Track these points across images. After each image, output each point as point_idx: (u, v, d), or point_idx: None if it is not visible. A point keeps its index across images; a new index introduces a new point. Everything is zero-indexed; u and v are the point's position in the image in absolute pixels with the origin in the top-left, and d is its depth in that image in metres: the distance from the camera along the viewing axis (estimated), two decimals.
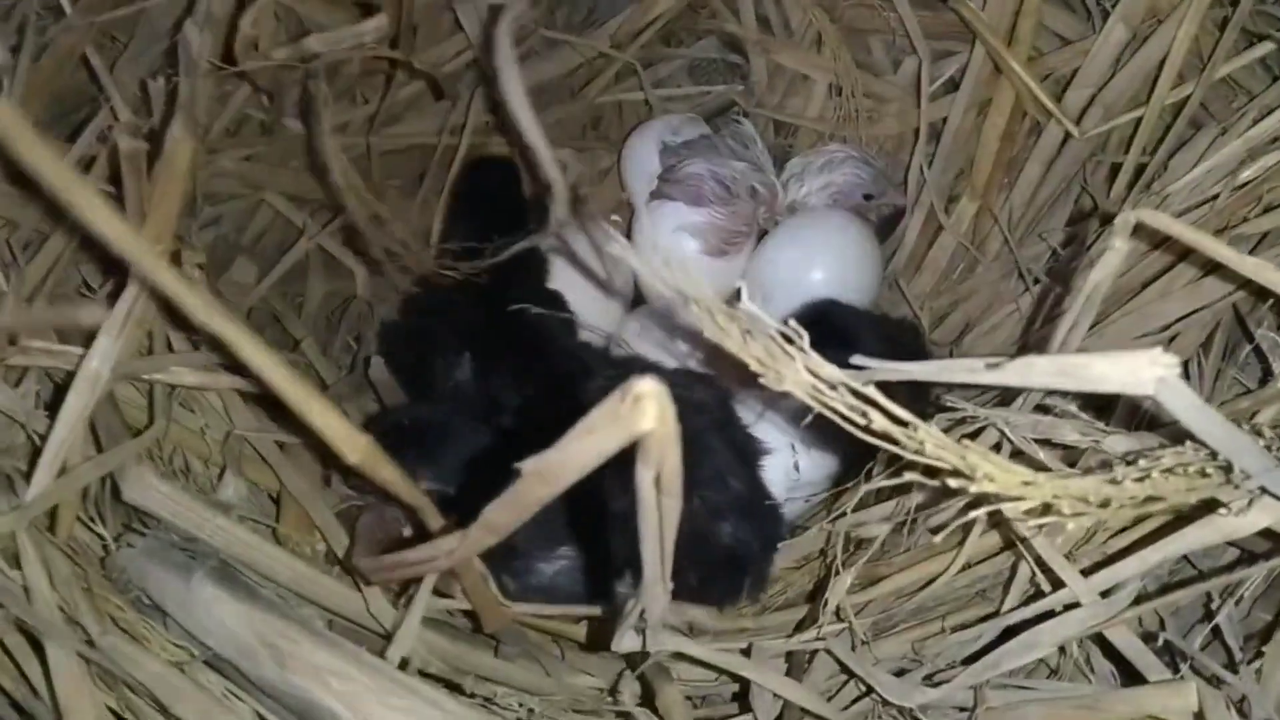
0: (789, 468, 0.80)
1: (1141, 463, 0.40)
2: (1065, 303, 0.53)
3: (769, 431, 0.80)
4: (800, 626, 0.70)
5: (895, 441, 0.37)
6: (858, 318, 0.82)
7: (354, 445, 0.47)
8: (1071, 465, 0.58)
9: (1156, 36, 0.80)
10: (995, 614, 0.63)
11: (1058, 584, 0.56)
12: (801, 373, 0.37)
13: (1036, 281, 0.87)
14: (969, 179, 0.92)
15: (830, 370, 0.37)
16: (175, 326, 0.63)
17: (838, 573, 0.63)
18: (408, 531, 0.64)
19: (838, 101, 0.99)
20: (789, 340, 0.38)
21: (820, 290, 0.90)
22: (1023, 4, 0.85)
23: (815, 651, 0.63)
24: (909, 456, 0.38)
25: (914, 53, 0.95)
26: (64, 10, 0.78)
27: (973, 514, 0.39)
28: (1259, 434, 0.47)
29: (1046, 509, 0.38)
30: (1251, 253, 0.73)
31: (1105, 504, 0.39)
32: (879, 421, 0.37)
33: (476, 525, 0.44)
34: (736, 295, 0.38)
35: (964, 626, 0.64)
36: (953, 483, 0.37)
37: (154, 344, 0.64)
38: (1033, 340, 0.81)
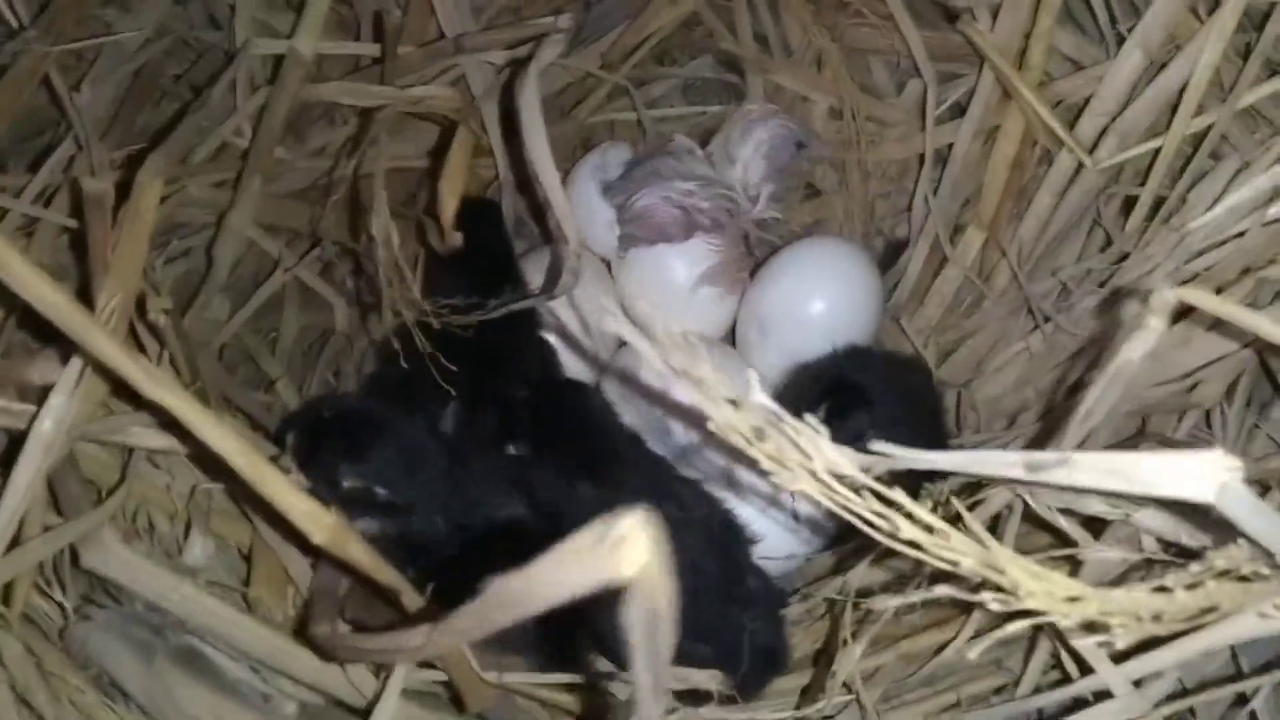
0: (787, 517, 0.76)
1: (1193, 568, 0.36)
2: (1092, 375, 0.49)
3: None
4: (805, 693, 0.66)
5: (924, 549, 0.33)
6: (874, 372, 0.77)
7: (318, 524, 0.44)
8: (1097, 537, 0.55)
9: (1175, 63, 0.76)
10: (1014, 684, 0.60)
11: (1083, 662, 0.53)
12: (820, 474, 0.34)
13: (1046, 319, 0.83)
14: (976, 208, 0.88)
15: (853, 471, 0.33)
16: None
17: (845, 643, 0.60)
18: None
19: (838, 124, 0.95)
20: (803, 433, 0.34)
21: (819, 323, 0.86)
22: (1034, 26, 0.81)
23: None
24: (939, 565, 0.34)
25: (918, 75, 0.91)
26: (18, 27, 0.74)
27: (1012, 628, 0.35)
28: None
29: (1094, 625, 0.34)
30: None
31: (1157, 618, 0.35)
32: (908, 530, 0.33)
33: (442, 628, 0.40)
34: (746, 385, 0.34)
35: (980, 699, 0.61)
36: (991, 598, 0.33)
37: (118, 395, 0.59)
38: (1057, 408, 0.77)
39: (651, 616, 0.31)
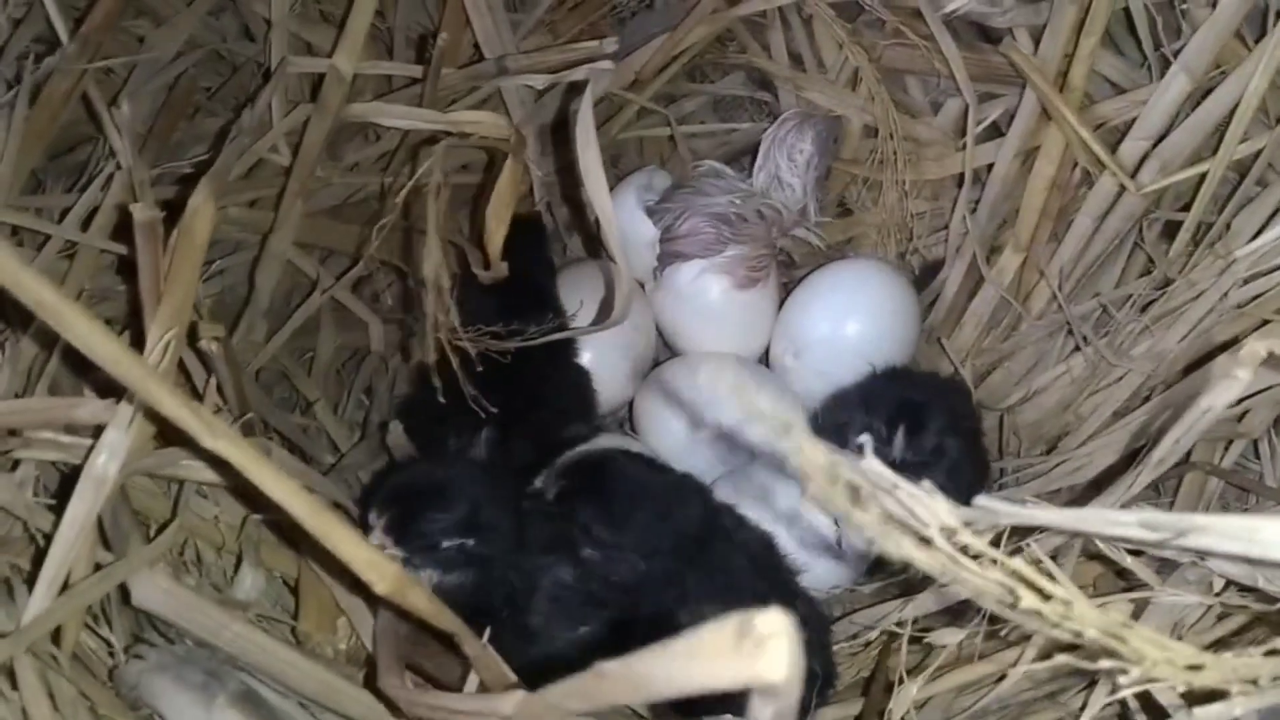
0: (831, 543, 0.76)
1: None
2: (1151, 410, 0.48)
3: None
4: None
5: (1046, 618, 0.33)
6: (925, 392, 0.77)
7: (382, 573, 0.43)
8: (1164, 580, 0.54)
9: (1221, 89, 0.76)
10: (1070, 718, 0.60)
11: (1149, 702, 0.52)
12: (936, 539, 0.33)
13: (1085, 341, 0.83)
14: (1013, 230, 0.88)
15: (973, 539, 0.33)
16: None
17: (901, 680, 0.59)
18: None
19: (873, 143, 0.95)
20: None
21: (855, 345, 0.86)
22: (1075, 49, 0.80)
23: None
24: (1055, 634, 0.33)
25: (954, 94, 0.91)
26: (58, 43, 0.73)
27: (1121, 694, 0.35)
28: None
29: (1212, 695, 0.34)
30: None
31: (1277, 680, 0.34)
32: (1029, 599, 0.32)
33: (537, 698, 0.40)
34: (859, 449, 0.34)
35: None
36: (1111, 667, 0.33)
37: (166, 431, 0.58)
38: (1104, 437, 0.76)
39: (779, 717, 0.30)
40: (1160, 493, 0.76)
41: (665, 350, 0.96)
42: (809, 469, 0.34)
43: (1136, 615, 0.55)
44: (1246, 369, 0.44)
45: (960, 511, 0.34)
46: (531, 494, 0.73)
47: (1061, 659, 0.33)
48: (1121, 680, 0.32)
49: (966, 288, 0.92)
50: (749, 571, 0.69)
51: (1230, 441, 0.71)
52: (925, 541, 0.33)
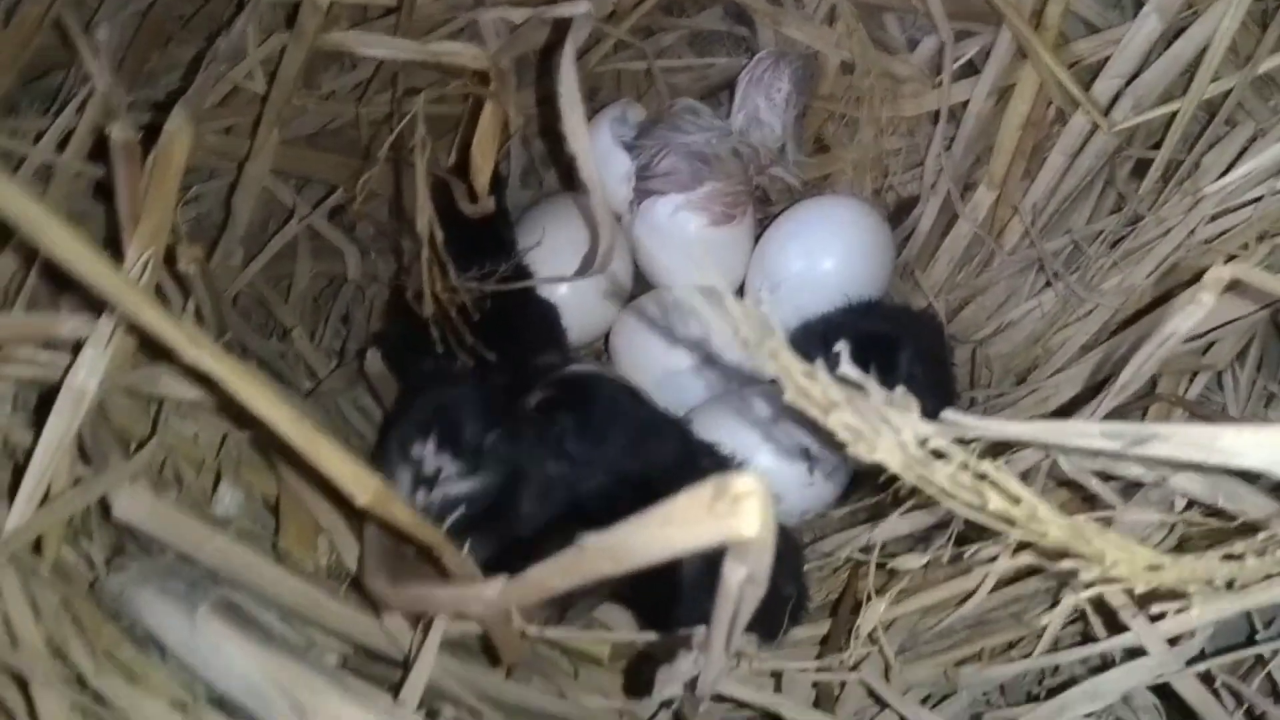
0: (803, 471, 0.77)
1: (1261, 535, 0.37)
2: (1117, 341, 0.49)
3: (784, 432, 0.77)
4: (825, 643, 0.67)
5: (1011, 522, 0.34)
6: (895, 324, 0.78)
7: (363, 486, 0.44)
8: (1125, 497, 0.56)
9: (1193, 29, 0.76)
10: (1035, 637, 0.61)
11: (1110, 617, 0.54)
12: (908, 444, 0.34)
13: (1056, 276, 0.84)
14: (987, 167, 0.88)
15: (944, 443, 0.34)
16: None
17: (869, 599, 0.61)
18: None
19: (850, 80, 0.95)
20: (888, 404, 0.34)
21: (830, 281, 0.87)
22: None
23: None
24: (1021, 537, 0.35)
25: (933, 31, 0.91)
26: None
27: (1080, 596, 0.36)
28: None
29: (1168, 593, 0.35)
30: None
31: (1230, 585, 0.36)
32: (995, 502, 0.34)
33: (519, 581, 0.41)
34: (835, 357, 0.35)
35: (1000, 652, 0.62)
36: (1072, 566, 0.34)
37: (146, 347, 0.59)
38: (1072, 368, 0.78)
39: (749, 579, 0.31)
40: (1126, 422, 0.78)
41: (642, 283, 0.96)
42: (784, 374, 0.35)
43: None
44: (1210, 293, 0.46)
45: (929, 425, 0.35)
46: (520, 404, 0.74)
47: (1026, 557, 0.34)
48: (1083, 577, 0.34)
49: (940, 224, 0.93)
50: None
51: (1195, 374, 0.73)
52: (896, 446, 0.35)
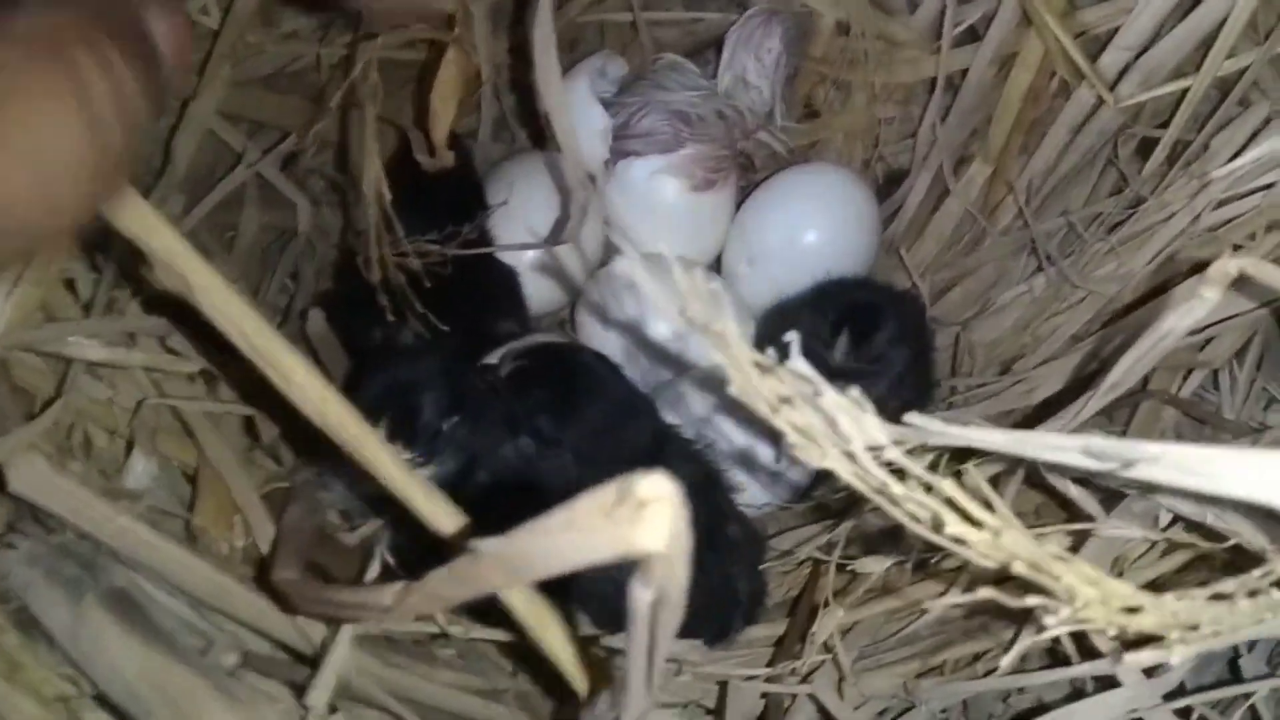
0: (769, 460, 0.73)
1: (1257, 571, 0.33)
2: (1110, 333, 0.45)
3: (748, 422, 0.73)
4: (780, 644, 0.63)
5: (972, 546, 0.29)
6: (878, 305, 0.74)
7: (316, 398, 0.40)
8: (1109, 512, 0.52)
9: (1209, 1, 0.71)
10: (1002, 651, 0.57)
11: (1084, 643, 0.50)
12: (859, 454, 0.29)
13: (1049, 260, 0.79)
14: (984, 140, 0.83)
15: (900, 456, 0.29)
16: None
17: (827, 604, 0.56)
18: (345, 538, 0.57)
19: (844, 42, 0.89)
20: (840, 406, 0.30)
21: (812, 255, 0.82)
22: None
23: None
24: (983, 563, 0.30)
25: None
26: None
27: (1051, 633, 0.31)
28: None
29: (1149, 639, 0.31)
30: None
31: (1218, 632, 0.31)
32: (953, 525, 0.29)
33: (418, 590, 0.36)
34: (785, 348, 0.30)
35: (963, 665, 0.58)
36: (1041, 604, 0.30)
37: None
38: (1060, 360, 0.73)
39: (661, 596, 0.27)
40: (1114, 421, 0.74)
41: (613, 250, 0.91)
42: (731, 363, 0.30)
43: (1076, 548, 0.52)
44: (1215, 288, 0.41)
45: (887, 428, 0.30)
46: (482, 368, 0.69)
47: (985, 593, 0.29)
48: (1049, 621, 0.29)
49: (931, 199, 0.88)
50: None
51: (1190, 371, 0.68)
52: (848, 455, 0.30)
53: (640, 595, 0.28)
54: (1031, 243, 0.80)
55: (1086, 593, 0.30)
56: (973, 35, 0.84)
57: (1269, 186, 0.67)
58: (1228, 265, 0.40)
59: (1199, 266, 0.67)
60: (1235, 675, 0.54)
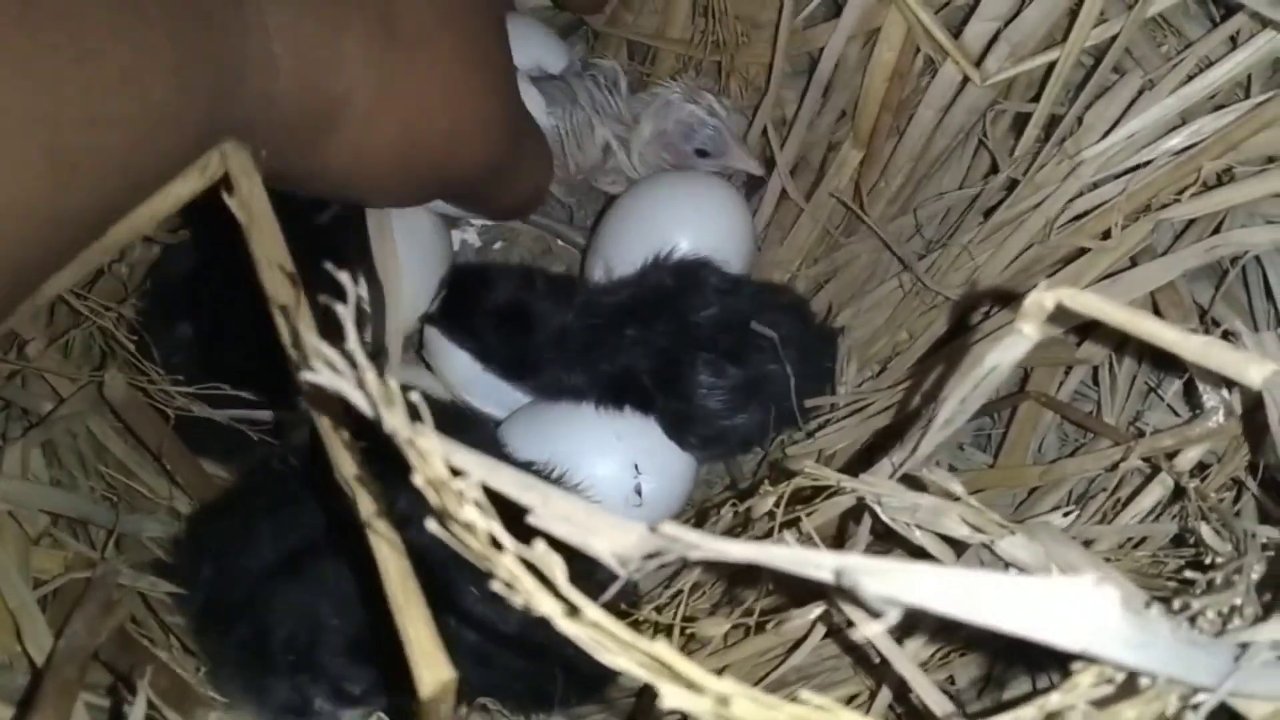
0: (629, 493, 0.67)
1: (1064, 687, 0.27)
2: (947, 386, 0.39)
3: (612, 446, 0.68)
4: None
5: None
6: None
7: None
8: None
9: None
10: None
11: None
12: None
13: (930, 247, 0.74)
14: (851, 124, 0.78)
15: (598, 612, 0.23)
16: None
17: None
18: None
19: (702, 22, 0.83)
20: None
21: None
22: None
23: None
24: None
25: None
26: None
27: None
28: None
29: None
30: (1179, 238, 0.61)
31: None
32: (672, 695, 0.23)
33: None
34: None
35: None
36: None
37: None
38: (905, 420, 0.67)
39: None
40: (995, 421, 0.69)
41: None
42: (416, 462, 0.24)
43: None
44: (1031, 323, 0.36)
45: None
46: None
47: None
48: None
49: (802, 189, 0.82)
50: None
51: (1069, 369, 0.64)
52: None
53: None
54: (904, 231, 0.75)
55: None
56: (836, 10, 0.78)
57: (1140, 166, 0.62)
58: (1043, 299, 0.35)
59: (1065, 261, 0.62)
60: None
